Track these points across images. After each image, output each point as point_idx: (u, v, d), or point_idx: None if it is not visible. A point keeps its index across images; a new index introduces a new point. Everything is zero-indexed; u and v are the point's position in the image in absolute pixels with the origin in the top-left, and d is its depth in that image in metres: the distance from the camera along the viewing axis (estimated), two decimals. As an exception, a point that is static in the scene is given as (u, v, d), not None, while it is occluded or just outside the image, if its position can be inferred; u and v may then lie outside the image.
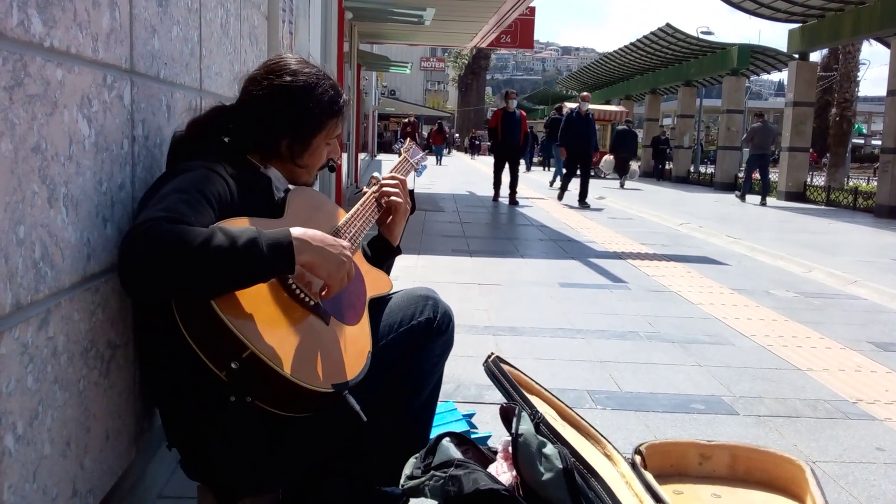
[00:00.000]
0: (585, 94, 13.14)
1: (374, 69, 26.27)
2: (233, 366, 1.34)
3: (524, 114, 12.87)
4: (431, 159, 26.88)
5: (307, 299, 1.51)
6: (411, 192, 2.05)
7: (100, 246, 1.47)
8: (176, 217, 1.33)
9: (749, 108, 31.31)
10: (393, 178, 1.97)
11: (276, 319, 1.43)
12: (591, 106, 12.99)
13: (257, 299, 1.42)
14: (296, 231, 1.43)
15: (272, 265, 1.37)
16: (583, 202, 12.54)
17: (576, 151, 12.66)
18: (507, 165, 12.36)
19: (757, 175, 15.28)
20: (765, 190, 14.85)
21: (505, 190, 12.53)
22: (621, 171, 18.67)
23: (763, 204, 14.37)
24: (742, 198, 15.15)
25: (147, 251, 1.28)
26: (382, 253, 1.97)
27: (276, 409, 1.41)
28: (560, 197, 13.30)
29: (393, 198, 1.94)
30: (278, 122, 1.70)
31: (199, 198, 1.45)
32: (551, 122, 18.91)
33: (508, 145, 12.22)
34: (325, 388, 1.42)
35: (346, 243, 1.56)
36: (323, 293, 1.54)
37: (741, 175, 17.63)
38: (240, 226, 1.40)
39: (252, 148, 1.72)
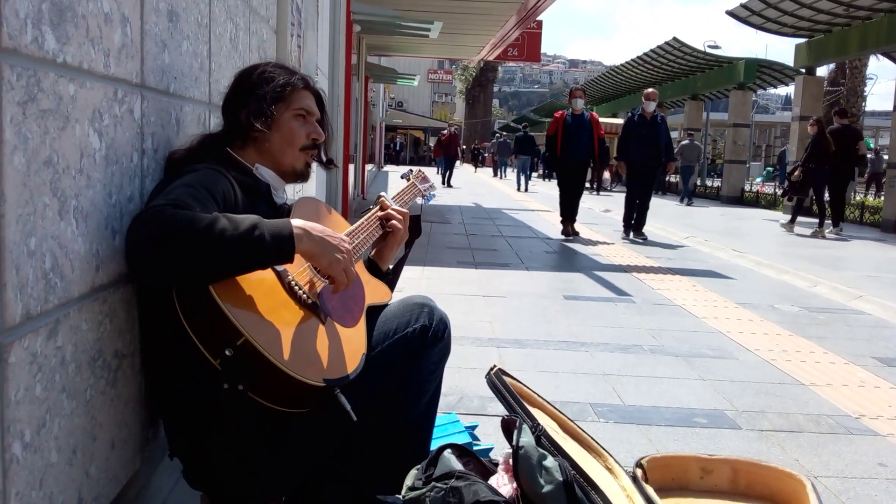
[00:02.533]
0: (650, 90, 9.62)
1: (382, 81, 26.42)
2: (227, 353, 1.37)
3: (597, 116, 9.73)
4: (432, 170, 27.25)
5: (305, 297, 1.55)
6: (418, 217, 2.08)
7: (108, 257, 1.50)
8: (182, 204, 1.39)
9: (756, 122, 31.35)
10: (398, 211, 2.00)
11: (272, 312, 1.46)
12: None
13: (256, 292, 1.45)
14: (297, 221, 1.48)
15: (273, 251, 1.41)
16: (638, 232, 9.57)
17: (638, 166, 9.44)
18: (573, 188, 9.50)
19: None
20: (686, 193, 18.78)
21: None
22: (597, 179, 22.38)
23: (689, 205, 17.57)
24: (689, 202, 18.06)
25: (153, 233, 1.33)
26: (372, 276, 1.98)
27: (267, 401, 1.43)
28: (627, 233, 9.66)
29: (393, 221, 1.97)
30: (241, 98, 1.78)
31: (206, 194, 1.50)
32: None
33: (575, 161, 9.31)
34: (316, 382, 1.44)
35: (346, 238, 1.60)
36: (330, 288, 1.57)
37: (748, 188, 18.77)
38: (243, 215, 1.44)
39: (226, 136, 1.78)
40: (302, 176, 1.86)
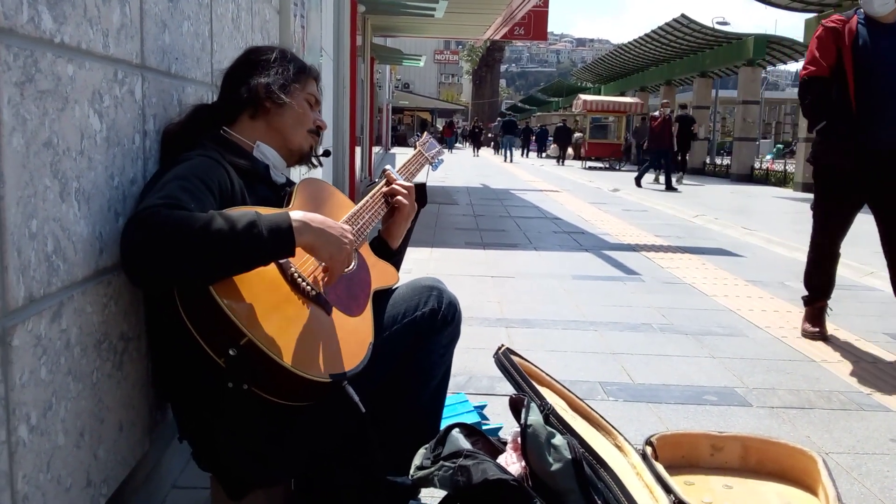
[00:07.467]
0: None
1: (388, 62, 26.28)
2: (231, 353, 1.34)
3: None
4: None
5: (309, 289, 1.52)
6: (424, 185, 2.04)
7: (112, 240, 1.49)
8: (176, 204, 1.34)
9: (766, 99, 31.19)
10: (403, 186, 1.95)
11: (275, 308, 1.43)
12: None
13: (257, 288, 1.42)
14: (296, 214, 1.43)
15: (272, 248, 1.38)
16: None
17: (879, 147, 3.48)
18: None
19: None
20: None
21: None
22: (562, 154, 28.35)
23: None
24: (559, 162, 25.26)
25: (147, 237, 1.29)
26: (381, 255, 1.95)
27: (273, 397, 1.41)
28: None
29: (399, 198, 1.92)
30: (257, 70, 1.76)
31: (200, 185, 1.46)
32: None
33: (879, 148, 3.48)
34: (322, 378, 1.42)
35: (347, 227, 1.57)
36: (325, 278, 1.54)
37: (758, 165, 18.60)
38: (239, 210, 1.40)
39: (226, 109, 1.76)
40: (305, 158, 1.84)
